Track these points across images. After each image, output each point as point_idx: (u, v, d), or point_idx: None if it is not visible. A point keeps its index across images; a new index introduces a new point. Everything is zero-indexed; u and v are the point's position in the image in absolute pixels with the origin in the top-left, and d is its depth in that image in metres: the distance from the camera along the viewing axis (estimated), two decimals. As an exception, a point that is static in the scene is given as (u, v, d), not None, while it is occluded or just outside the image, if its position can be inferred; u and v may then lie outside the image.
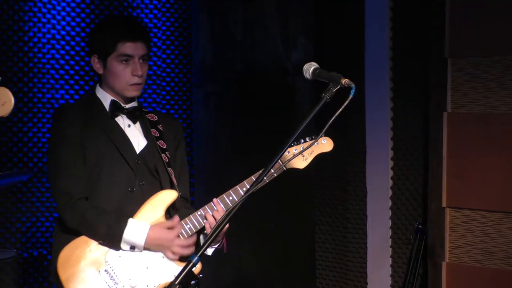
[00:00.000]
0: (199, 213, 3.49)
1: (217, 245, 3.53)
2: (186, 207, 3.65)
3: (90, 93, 3.79)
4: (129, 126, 3.59)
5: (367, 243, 5.07)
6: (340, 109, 2.82)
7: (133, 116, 3.60)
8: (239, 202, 2.80)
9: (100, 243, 3.44)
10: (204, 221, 3.47)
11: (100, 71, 3.55)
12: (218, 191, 3.57)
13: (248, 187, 3.45)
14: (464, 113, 4.52)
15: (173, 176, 3.60)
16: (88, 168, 3.48)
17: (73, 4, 4.94)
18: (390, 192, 4.92)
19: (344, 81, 2.92)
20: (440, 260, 4.64)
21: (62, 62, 4.93)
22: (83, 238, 3.45)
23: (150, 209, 3.48)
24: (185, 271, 2.69)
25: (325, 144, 3.56)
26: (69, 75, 4.96)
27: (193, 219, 3.49)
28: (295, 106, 5.29)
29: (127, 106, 3.59)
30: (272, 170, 3.41)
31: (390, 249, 4.98)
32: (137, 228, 3.42)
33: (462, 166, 4.53)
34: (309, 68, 3.07)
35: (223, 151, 5.60)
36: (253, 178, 3.45)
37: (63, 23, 4.91)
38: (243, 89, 5.46)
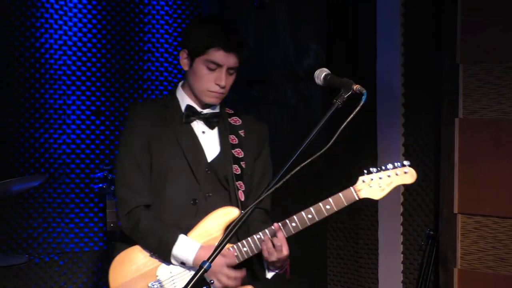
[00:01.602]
0: (258, 236, 3.28)
1: (278, 270, 3.35)
2: (262, 221, 3.43)
3: (168, 92, 3.62)
4: (203, 132, 3.43)
5: (379, 249, 5.06)
6: (352, 115, 2.81)
7: (209, 122, 3.44)
8: (247, 211, 2.78)
9: (152, 256, 3.34)
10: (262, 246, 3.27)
11: (186, 68, 3.39)
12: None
13: (314, 213, 3.25)
14: (476, 119, 4.51)
15: (240, 191, 3.41)
16: (154, 174, 3.36)
17: (84, 10, 4.95)
18: (401, 198, 4.91)
19: (356, 87, 2.92)
20: (452, 267, 4.63)
21: (73, 68, 4.95)
22: (137, 248, 3.36)
23: (208, 225, 3.33)
24: (196, 277, 2.68)
25: (406, 176, 3.26)
26: (80, 81, 4.97)
27: (251, 242, 3.28)
28: (307, 112, 5.29)
29: (204, 111, 3.43)
30: (343, 199, 3.24)
31: (402, 255, 4.97)
32: (187, 245, 3.28)
33: (474, 172, 4.52)
34: (321, 74, 3.07)
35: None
36: (321, 204, 3.25)
37: (74, 29, 4.93)
38: (254, 95, 5.46)
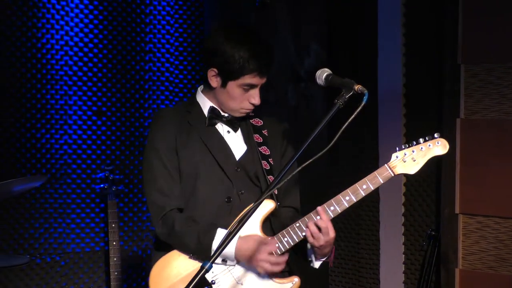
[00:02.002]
0: (297, 224, 3.22)
1: (326, 257, 3.29)
2: (293, 218, 3.35)
3: (189, 96, 3.55)
4: (228, 132, 3.40)
5: (380, 249, 5.06)
6: (353, 115, 2.82)
7: (232, 123, 3.40)
8: (249, 211, 2.79)
9: (191, 257, 3.28)
10: (304, 231, 3.20)
11: (214, 85, 3.32)
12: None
13: (351, 195, 3.21)
14: (478, 120, 4.51)
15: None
16: (183, 177, 3.32)
17: (86, 11, 4.95)
18: (403, 199, 4.91)
19: (357, 87, 2.93)
20: (453, 267, 4.63)
21: (75, 68, 4.95)
22: (175, 252, 3.31)
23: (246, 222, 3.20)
24: (197, 278, 2.68)
25: (439, 146, 3.25)
26: (82, 82, 4.97)
27: (291, 232, 3.23)
28: (307, 112, 5.29)
29: (226, 114, 3.40)
30: (379, 177, 3.20)
31: (403, 255, 4.97)
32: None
33: (475, 173, 4.51)
34: (322, 74, 3.08)
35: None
36: (357, 185, 3.22)
37: (76, 29, 4.93)
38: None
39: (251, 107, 3.35)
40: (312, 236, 3.18)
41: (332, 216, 3.22)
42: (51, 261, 4.92)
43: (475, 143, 4.51)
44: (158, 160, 3.33)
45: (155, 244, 3.43)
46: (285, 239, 3.24)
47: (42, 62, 4.84)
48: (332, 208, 3.21)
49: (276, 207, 3.32)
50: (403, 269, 4.97)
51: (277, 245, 3.24)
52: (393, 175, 3.24)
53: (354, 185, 3.23)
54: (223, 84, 3.30)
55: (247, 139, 3.43)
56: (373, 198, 5.02)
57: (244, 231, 3.23)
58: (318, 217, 3.19)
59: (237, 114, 3.38)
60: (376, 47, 4.96)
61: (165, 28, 5.27)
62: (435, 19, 4.70)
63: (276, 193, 3.36)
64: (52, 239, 4.91)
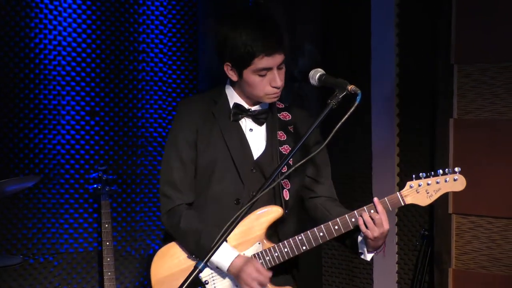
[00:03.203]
0: (299, 237, 3.23)
1: (378, 250, 3.26)
2: (337, 205, 3.39)
3: (218, 86, 3.44)
4: (251, 130, 3.33)
5: (374, 249, 5.06)
6: (347, 115, 2.82)
7: (258, 119, 3.33)
8: (243, 211, 2.79)
9: (188, 256, 3.29)
10: (306, 244, 3.23)
11: (235, 79, 3.27)
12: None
13: (357, 216, 3.17)
14: (471, 119, 4.52)
15: (285, 190, 3.31)
16: (199, 172, 3.30)
17: (79, 11, 4.95)
18: (396, 199, 4.91)
19: (350, 87, 2.93)
20: (447, 267, 4.64)
21: (68, 68, 4.94)
22: (178, 243, 3.32)
23: (250, 224, 3.24)
24: (190, 278, 2.68)
25: (456, 183, 3.20)
26: (75, 82, 4.96)
27: (292, 243, 3.23)
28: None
29: (253, 108, 3.34)
30: (388, 203, 3.17)
31: (396, 255, 4.97)
32: (224, 252, 3.17)
33: (468, 172, 4.50)
34: (315, 74, 3.08)
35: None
36: (365, 208, 3.18)
37: (69, 29, 4.92)
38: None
39: (276, 90, 3.25)
40: (366, 226, 3.14)
41: (335, 234, 3.20)
42: (44, 261, 4.91)
43: (468, 143, 4.51)
44: (177, 153, 3.31)
45: (164, 235, 3.43)
46: (285, 249, 3.23)
47: (35, 62, 4.83)
48: (336, 227, 3.19)
49: (283, 214, 3.27)
50: (397, 269, 4.98)
51: (267, 258, 3.22)
52: (403, 204, 3.20)
53: (363, 208, 3.18)
54: (240, 75, 3.24)
55: (270, 137, 3.35)
56: (366, 198, 5.03)
57: (247, 237, 3.24)
58: (372, 211, 3.16)
59: (267, 100, 3.30)
60: (370, 47, 4.97)
61: (158, 28, 5.26)
62: (428, 19, 4.70)
63: (287, 198, 3.31)
64: (45, 240, 4.90)
